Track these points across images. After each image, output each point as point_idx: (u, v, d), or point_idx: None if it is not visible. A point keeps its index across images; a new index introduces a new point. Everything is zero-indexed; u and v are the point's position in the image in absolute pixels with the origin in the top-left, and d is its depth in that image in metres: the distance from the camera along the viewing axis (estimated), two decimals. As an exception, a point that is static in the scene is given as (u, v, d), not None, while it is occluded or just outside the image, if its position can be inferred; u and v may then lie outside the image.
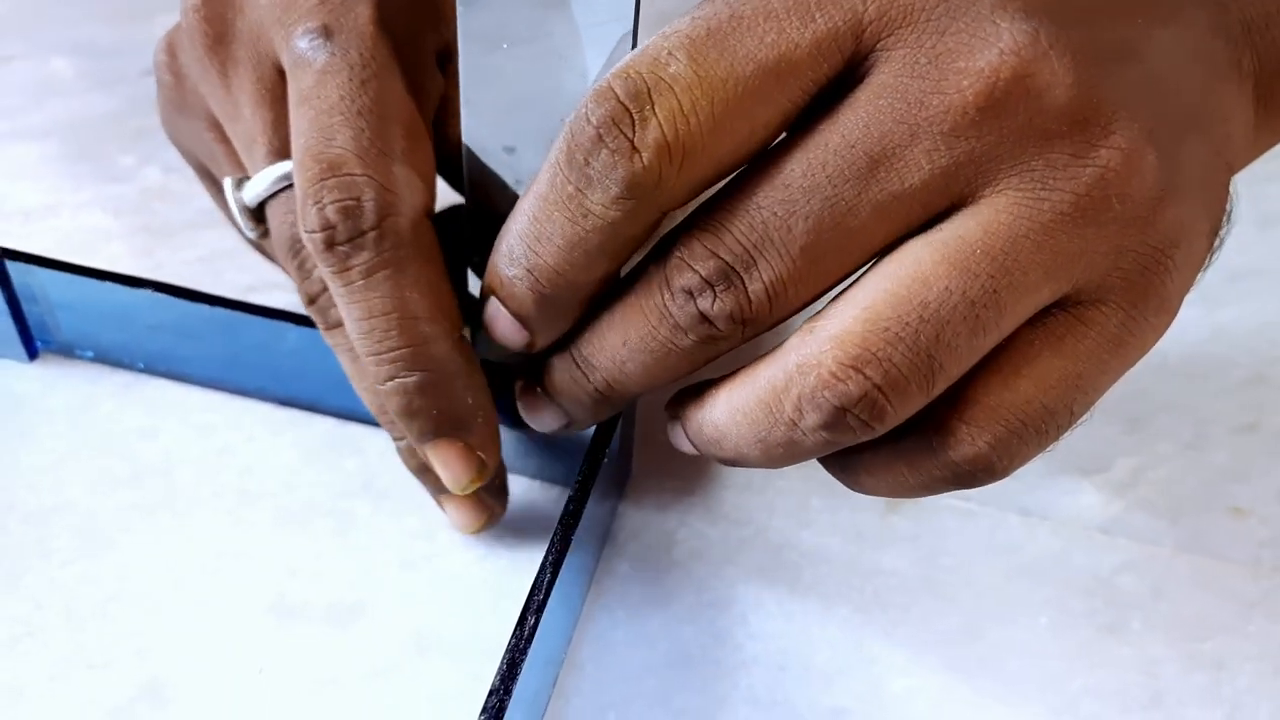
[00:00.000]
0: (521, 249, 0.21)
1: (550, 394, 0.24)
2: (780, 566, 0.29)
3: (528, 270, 0.21)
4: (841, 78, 0.19)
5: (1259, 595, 0.29)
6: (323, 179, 0.24)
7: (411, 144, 0.25)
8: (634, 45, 0.21)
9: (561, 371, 0.24)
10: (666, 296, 0.20)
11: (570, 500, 0.25)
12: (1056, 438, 0.21)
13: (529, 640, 0.23)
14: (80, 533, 0.28)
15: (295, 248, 0.26)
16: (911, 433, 0.20)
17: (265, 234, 0.28)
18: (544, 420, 0.25)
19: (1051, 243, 0.19)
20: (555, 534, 0.25)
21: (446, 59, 0.28)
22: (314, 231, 0.24)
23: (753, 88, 0.19)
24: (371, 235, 0.24)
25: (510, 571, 0.28)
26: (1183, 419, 0.33)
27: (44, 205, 0.38)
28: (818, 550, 0.29)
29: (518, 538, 0.29)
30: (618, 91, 0.19)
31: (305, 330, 0.29)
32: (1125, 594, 0.29)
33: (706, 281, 0.20)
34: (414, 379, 0.24)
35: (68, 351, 0.33)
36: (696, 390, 0.23)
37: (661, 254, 0.21)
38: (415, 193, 0.25)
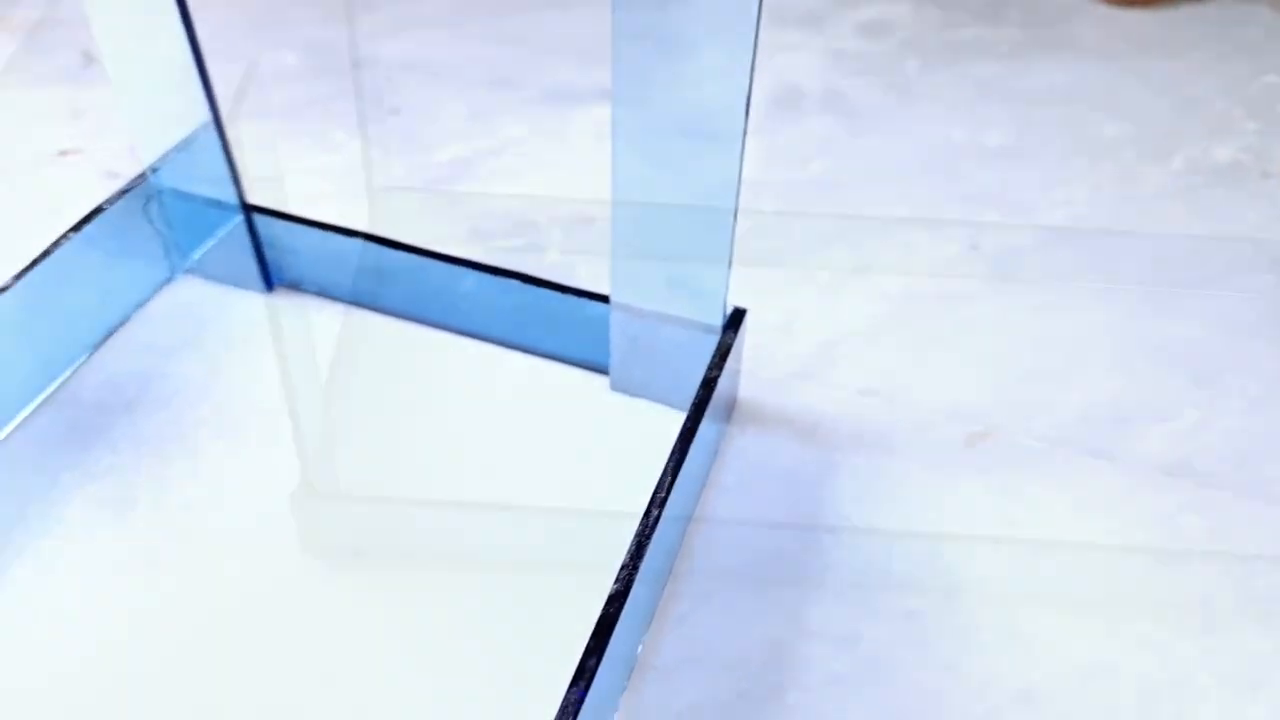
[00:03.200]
0: None
1: None
2: (866, 491, 0.33)
3: None
4: None
5: (1313, 539, 0.31)
6: None
7: None
8: (755, 40, 0.25)
9: None
10: None
11: (687, 420, 0.30)
12: None
13: (653, 528, 0.27)
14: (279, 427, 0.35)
15: None
16: None
17: None
18: None
19: None
20: (675, 447, 0.29)
21: None
22: None
23: None
24: None
25: (638, 479, 0.32)
26: (1250, 377, 0.35)
27: (278, 172, 0.46)
28: (900, 476, 0.33)
29: (642, 454, 0.34)
30: None
31: (479, 274, 0.35)
32: (1185, 532, 0.31)
33: None
34: None
35: (296, 286, 0.40)
36: None
37: None
38: None
